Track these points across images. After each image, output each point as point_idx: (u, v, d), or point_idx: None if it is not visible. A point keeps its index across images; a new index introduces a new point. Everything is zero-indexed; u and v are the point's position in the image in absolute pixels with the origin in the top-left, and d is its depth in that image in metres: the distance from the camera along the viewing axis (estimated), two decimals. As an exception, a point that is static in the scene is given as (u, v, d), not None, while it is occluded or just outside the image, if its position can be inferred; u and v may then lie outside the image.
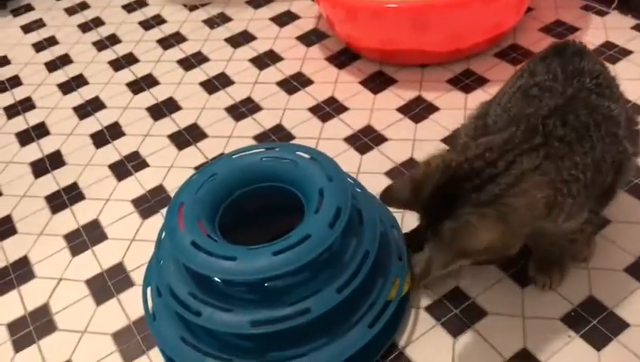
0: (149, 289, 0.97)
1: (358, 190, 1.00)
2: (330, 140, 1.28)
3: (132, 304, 1.04)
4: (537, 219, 0.77)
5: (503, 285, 0.97)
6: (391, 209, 1.05)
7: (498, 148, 0.77)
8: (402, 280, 0.93)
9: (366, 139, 1.27)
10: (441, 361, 0.90)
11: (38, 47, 1.76)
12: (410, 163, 1.19)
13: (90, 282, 1.10)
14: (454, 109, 1.29)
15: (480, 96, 1.30)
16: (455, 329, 0.93)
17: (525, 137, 0.78)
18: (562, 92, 0.83)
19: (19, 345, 1.03)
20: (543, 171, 0.75)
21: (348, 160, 1.22)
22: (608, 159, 0.81)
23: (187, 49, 1.62)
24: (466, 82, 1.35)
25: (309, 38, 1.57)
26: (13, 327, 1.05)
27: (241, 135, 1.33)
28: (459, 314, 0.95)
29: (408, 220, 1.08)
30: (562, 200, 0.77)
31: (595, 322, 0.90)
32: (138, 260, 1.11)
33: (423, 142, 1.23)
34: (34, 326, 1.05)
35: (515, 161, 0.75)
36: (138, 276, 1.08)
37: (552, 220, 0.79)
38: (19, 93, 1.60)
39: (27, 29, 1.85)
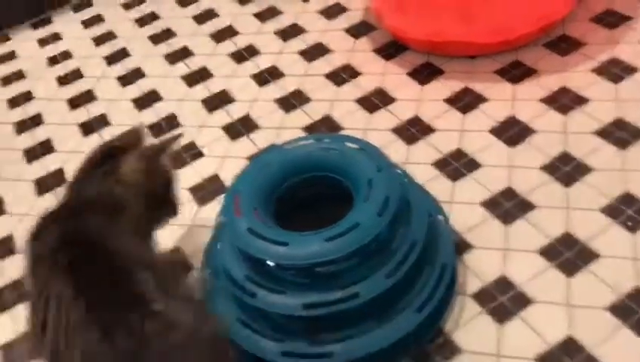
0: (207, 273, 1.03)
1: (406, 180, 1.03)
2: (377, 131, 1.31)
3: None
4: None
5: (549, 274, 0.99)
6: (439, 200, 1.08)
7: None
8: (451, 266, 0.96)
9: (413, 130, 1.29)
10: (487, 347, 0.92)
11: (98, 41, 1.84)
12: (458, 153, 1.21)
13: (150, 265, 1.16)
14: (502, 100, 1.30)
15: (529, 88, 1.31)
16: (501, 316, 0.95)
17: None
18: None
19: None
20: None
21: (395, 150, 1.25)
22: None
23: (239, 42, 1.67)
24: (515, 73, 1.35)
25: (357, 31, 1.60)
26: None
27: (291, 126, 1.38)
28: (505, 301, 0.97)
29: (456, 209, 1.11)
30: None
31: (643, 311, 0.91)
32: (195, 245, 1.17)
33: (470, 132, 1.25)
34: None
35: None
36: (195, 260, 1.14)
37: None
38: (81, 86, 1.68)
39: (87, 23, 1.94)
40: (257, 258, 0.88)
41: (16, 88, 1.74)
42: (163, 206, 1.02)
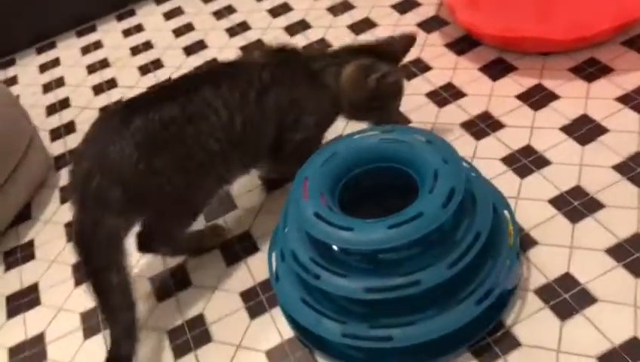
0: (273, 254, 1.07)
1: (473, 174, 1.04)
2: (446, 125, 1.32)
3: (258, 267, 1.15)
4: None
5: (615, 273, 0.97)
6: (506, 195, 1.08)
7: None
8: (512, 262, 0.96)
9: (483, 125, 1.29)
10: (547, 343, 0.92)
11: (177, 33, 1.93)
12: (527, 150, 1.21)
13: (221, 246, 1.22)
14: (576, 98, 1.28)
15: (603, 86, 1.28)
16: (563, 313, 0.95)
17: None
18: None
19: (159, 296, 1.17)
20: None
21: (464, 145, 1.25)
22: None
23: (312, 35, 1.71)
24: (590, 71, 1.33)
25: (429, 25, 1.61)
26: (154, 280, 1.20)
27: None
28: (568, 298, 0.96)
29: (523, 205, 1.11)
30: None
31: None
32: (263, 229, 1.22)
33: (541, 129, 1.24)
34: (173, 281, 1.19)
35: None
36: (263, 243, 1.19)
37: None
38: (161, 75, 1.76)
39: (168, 16, 2.03)
40: (322, 241, 0.92)
41: (100, 76, 1.84)
42: (367, 112, 1.21)
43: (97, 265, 0.98)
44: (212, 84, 1.08)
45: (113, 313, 0.98)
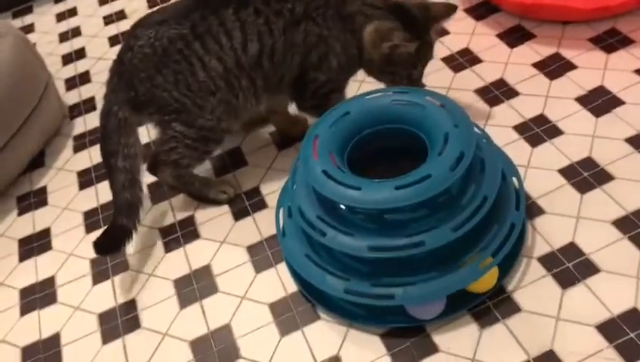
0: (281, 211, 1.08)
1: (484, 140, 1.03)
2: (460, 91, 1.31)
3: (265, 223, 1.17)
4: None
5: (620, 245, 0.98)
6: (516, 164, 1.08)
7: None
8: (518, 227, 0.96)
9: (497, 92, 1.28)
10: (547, 310, 0.93)
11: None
12: (540, 119, 1.20)
13: (230, 201, 1.23)
14: (593, 69, 1.26)
15: (623, 58, 1.26)
16: (565, 281, 0.96)
17: None
18: None
19: (168, 247, 1.19)
20: None
21: (477, 111, 1.25)
22: None
23: None
24: (610, 42, 1.31)
25: (449, -11, 1.58)
26: (164, 232, 1.22)
27: (374, 80, 1.39)
28: (571, 267, 0.97)
29: (532, 174, 1.10)
30: None
31: None
32: (272, 186, 1.23)
33: (555, 99, 1.23)
34: (181, 233, 1.21)
35: None
36: (271, 200, 1.20)
37: None
38: (177, 29, 1.75)
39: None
40: (330, 199, 0.93)
41: (117, 27, 1.84)
42: (380, 74, 1.21)
43: (107, 150, 1.14)
44: (239, 5, 1.09)
45: (117, 190, 1.13)
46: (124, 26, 1.83)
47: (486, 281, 0.95)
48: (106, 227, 1.14)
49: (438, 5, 1.16)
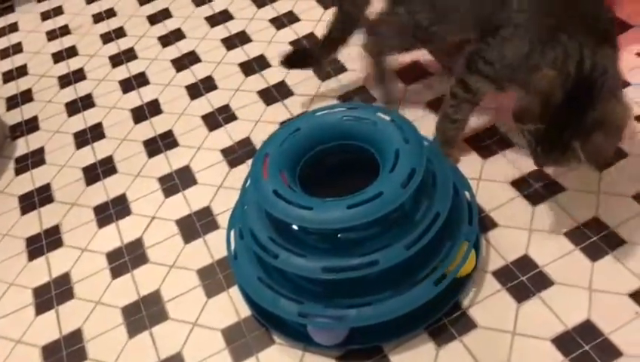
0: (232, 232, 1.05)
1: (436, 154, 1.03)
2: (412, 104, 1.30)
3: (216, 245, 1.13)
4: None
5: (573, 257, 0.98)
6: (467, 176, 1.07)
7: (587, 57, 0.90)
8: (471, 244, 0.96)
9: (448, 105, 1.28)
10: (503, 325, 0.92)
11: (142, 1, 1.86)
12: (491, 131, 1.20)
13: (179, 222, 1.20)
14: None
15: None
16: (520, 295, 0.95)
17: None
18: None
19: (116, 272, 1.14)
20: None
21: (428, 124, 1.24)
22: None
23: (279, 8, 1.67)
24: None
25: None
26: (111, 256, 1.17)
27: (326, 95, 1.38)
28: (526, 281, 0.97)
29: (484, 186, 1.10)
30: None
31: (666, 301, 0.90)
32: (224, 205, 1.20)
33: (507, 111, 1.23)
34: (129, 257, 1.16)
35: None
36: (223, 220, 1.17)
37: None
38: (123, 44, 1.71)
39: (133, -17, 1.96)
40: (281, 220, 0.90)
41: (60, 43, 1.78)
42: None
43: None
44: None
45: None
46: (68, 41, 1.78)
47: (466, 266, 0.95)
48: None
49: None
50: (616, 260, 0.96)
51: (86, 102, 1.55)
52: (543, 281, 0.96)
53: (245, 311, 1.02)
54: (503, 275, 0.98)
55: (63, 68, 1.69)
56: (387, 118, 0.99)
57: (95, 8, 1.88)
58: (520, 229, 1.03)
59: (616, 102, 0.90)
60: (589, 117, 0.88)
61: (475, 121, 1.22)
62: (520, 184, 1.10)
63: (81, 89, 1.60)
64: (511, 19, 0.98)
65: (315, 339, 0.94)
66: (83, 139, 1.45)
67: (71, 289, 1.13)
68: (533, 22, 0.96)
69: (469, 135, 1.20)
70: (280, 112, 1.37)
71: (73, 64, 1.69)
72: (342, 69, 1.43)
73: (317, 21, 1.59)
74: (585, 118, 0.88)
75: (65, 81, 1.64)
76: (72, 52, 1.74)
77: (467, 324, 0.93)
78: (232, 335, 1.00)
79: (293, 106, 1.37)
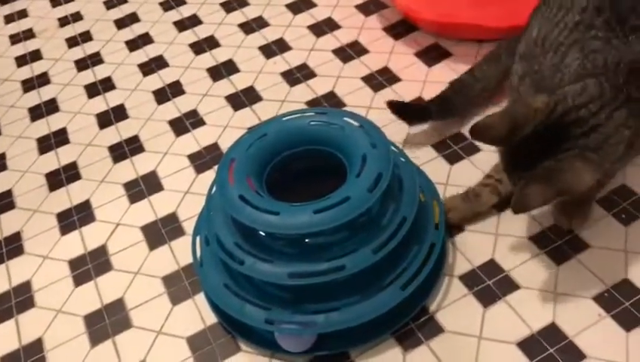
0: (198, 238, 1.04)
1: (402, 159, 1.03)
2: (380, 110, 1.30)
3: (182, 252, 1.11)
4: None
5: (538, 261, 0.99)
6: (434, 181, 1.08)
7: (599, 100, 0.83)
8: (438, 246, 0.96)
9: (416, 111, 1.28)
10: (470, 329, 0.93)
11: (109, 4, 1.84)
12: (458, 137, 1.21)
13: (145, 229, 1.18)
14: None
15: (534, 75, 1.29)
16: (486, 299, 0.96)
17: (615, 94, 0.83)
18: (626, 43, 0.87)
19: (78, 280, 1.12)
20: (628, 126, 0.83)
21: (397, 130, 1.24)
22: None
23: (249, 13, 1.66)
24: (522, 59, 1.34)
25: (367, 8, 1.59)
26: (74, 264, 1.15)
27: (295, 100, 1.37)
28: (492, 285, 0.97)
29: (451, 191, 1.11)
30: (626, 153, 0.85)
31: (628, 304, 0.91)
32: (190, 211, 1.18)
33: (474, 117, 1.24)
34: (92, 265, 1.13)
35: (612, 115, 0.82)
36: (189, 226, 1.15)
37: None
38: (89, 48, 1.68)
39: (100, -13, 1.93)
40: (247, 226, 0.89)
41: (24, 47, 1.75)
42: None
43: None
44: None
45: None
46: (33, 45, 1.74)
47: None
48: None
49: None
50: (580, 264, 0.97)
51: (50, 106, 1.52)
52: (509, 285, 0.97)
53: (211, 319, 1.00)
54: (470, 279, 0.98)
55: (27, 72, 1.65)
56: (355, 123, 0.99)
57: (61, 12, 1.85)
58: (486, 234, 1.04)
59: (582, 165, 0.80)
60: (542, 165, 0.81)
61: (443, 129, 1.23)
62: (486, 189, 1.10)
63: (45, 93, 1.57)
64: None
65: (282, 346, 0.92)
66: (46, 144, 1.42)
67: (31, 298, 1.10)
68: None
69: (437, 140, 1.21)
70: (248, 117, 1.36)
71: (37, 68, 1.65)
72: (312, 74, 1.43)
73: (286, 27, 1.58)
74: (538, 164, 0.82)
75: (28, 85, 1.61)
76: (36, 56, 1.70)
77: (434, 329, 0.93)
78: (198, 343, 0.98)
79: (261, 111, 1.36)
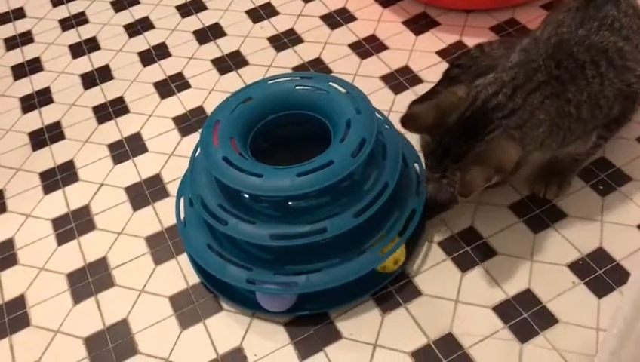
0: (181, 200, 1.04)
1: (387, 126, 1.04)
2: (366, 77, 1.31)
3: (166, 213, 1.12)
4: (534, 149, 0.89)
5: (516, 229, 1.01)
6: (418, 150, 1.09)
7: (511, 83, 0.89)
8: (419, 213, 0.97)
9: (402, 79, 1.29)
10: (447, 293, 0.95)
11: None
12: (443, 106, 1.21)
13: (128, 189, 1.18)
14: (493, 57, 1.29)
15: (520, 46, 1.30)
16: (464, 264, 0.98)
17: (530, 75, 0.90)
18: (571, 32, 0.94)
19: (61, 239, 1.12)
20: (544, 110, 0.88)
21: (382, 98, 1.25)
22: (609, 93, 0.92)
23: None
24: (509, 31, 1.34)
25: (357, -25, 1.57)
26: (57, 222, 1.15)
27: (281, 65, 1.37)
28: (470, 251, 0.99)
29: (433, 160, 1.12)
30: (556, 133, 0.90)
31: (601, 271, 0.94)
32: (174, 173, 1.18)
33: (457, 86, 1.25)
34: (75, 224, 1.14)
35: (526, 100, 0.87)
36: (173, 188, 1.16)
37: (544, 150, 0.91)
38: (74, 7, 1.66)
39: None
40: (230, 187, 0.90)
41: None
42: None
43: None
44: None
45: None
46: (15, 3, 1.71)
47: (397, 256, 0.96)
48: None
49: None
50: (556, 232, 0.99)
51: (33, 65, 1.50)
52: (486, 252, 0.99)
53: (194, 279, 1.02)
54: (449, 246, 1.00)
55: (10, 30, 1.62)
56: (341, 88, 0.99)
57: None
58: (467, 202, 1.05)
59: (506, 142, 0.86)
60: (473, 152, 0.86)
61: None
62: (469, 158, 1.12)
63: (28, 52, 1.54)
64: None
65: (263, 306, 0.94)
66: (30, 103, 1.41)
67: (14, 256, 1.11)
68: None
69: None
70: (234, 82, 1.35)
71: (20, 26, 1.63)
72: (299, 40, 1.42)
73: (275, -10, 1.57)
74: (467, 151, 0.86)
75: (12, 43, 1.58)
76: (19, 14, 1.67)
77: (412, 292, 0.95)
78: (180, 302, 0.99)
79: (247, 76, 1.36)
